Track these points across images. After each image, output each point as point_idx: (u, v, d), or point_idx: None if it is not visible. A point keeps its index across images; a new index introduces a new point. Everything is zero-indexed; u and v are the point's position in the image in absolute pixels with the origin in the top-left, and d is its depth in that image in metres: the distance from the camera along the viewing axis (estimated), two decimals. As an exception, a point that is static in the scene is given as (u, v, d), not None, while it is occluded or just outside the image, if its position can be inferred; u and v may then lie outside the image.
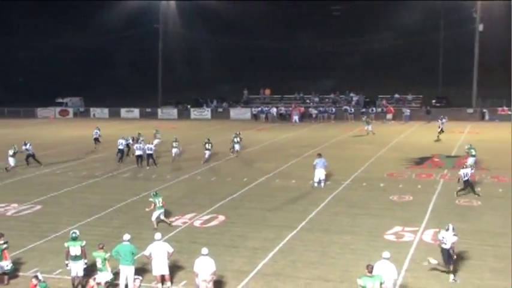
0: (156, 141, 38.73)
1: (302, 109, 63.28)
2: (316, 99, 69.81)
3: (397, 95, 68.70)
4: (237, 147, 36.99)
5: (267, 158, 36.33)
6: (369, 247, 18.25)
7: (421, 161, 33.84)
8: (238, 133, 38.14)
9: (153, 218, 20.77)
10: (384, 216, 21.90)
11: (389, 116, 59.49)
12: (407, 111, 58.91)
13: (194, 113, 68.59)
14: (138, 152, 33.33)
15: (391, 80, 75.31)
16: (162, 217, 21.00)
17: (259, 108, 65.67)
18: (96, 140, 40.79)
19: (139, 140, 35.05)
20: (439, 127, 43.10)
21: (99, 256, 15.16)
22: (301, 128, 52.83)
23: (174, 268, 16.47)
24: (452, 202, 23.79)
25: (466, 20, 64.71)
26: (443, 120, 44.17)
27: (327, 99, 70.01)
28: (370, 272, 12.98)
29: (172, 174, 31.30)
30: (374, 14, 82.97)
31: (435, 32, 73.92)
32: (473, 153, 30.43)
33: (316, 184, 27.08)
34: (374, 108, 62.37)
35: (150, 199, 21.45)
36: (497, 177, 28.59)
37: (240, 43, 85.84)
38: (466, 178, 24.55)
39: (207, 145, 34.55)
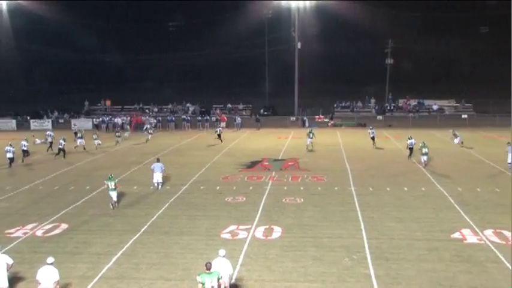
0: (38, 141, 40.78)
1: (140, 118, 62.44)
2: (155, 109, 69.27)
3: (229, 105, 70.38)
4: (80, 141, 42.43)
5: (110, 165, 35.20)
6: (207, 246, 18.45)
7: (252, 165, 34.83)
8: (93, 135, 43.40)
9: (113, 199, 23.57)
10: (220, 216, 22.25)
11: (222, 124, 60.59)
12: (239, 120, 60.48)
13: (34, 124, 64.35)
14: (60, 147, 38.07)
15: (224, 91, 77.14)
16: (114, 198, 23.60)
17: (100, 119, 63.54)
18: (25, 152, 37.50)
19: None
20: (370, 136, 42.93)
21: None
22: (142, 137, 51.96)
23: (15, 280, 15.37)
24: (280, 201, 24.79)
25: (287, 38, 68.23)
26: (372, 130, 43.60)
27: (165, 109, 69.75)
28: (209, 269, 13.13)
29: (12, 185, 29.11)
30: (209, 30, 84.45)
31: (261, 48, 76.99)
32: (311, 136, 41.33)
33: (156, 185, 27.52)
34: (209, 117, 63.25)
35: (105, 181, 24.20)
36: (317, 177, 30.33)
37: (80, 56, 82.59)
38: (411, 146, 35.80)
39: (94, 135, 43.94)
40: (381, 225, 20.47)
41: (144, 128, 55.06)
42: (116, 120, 62.41)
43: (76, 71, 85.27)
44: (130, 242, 19.01)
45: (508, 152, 31.83)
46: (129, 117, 63.43)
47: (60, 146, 38.15)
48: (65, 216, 22.50)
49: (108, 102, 71.68)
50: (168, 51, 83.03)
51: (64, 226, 21.08)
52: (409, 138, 36.33)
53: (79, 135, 44.01)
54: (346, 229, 20.17)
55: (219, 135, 45.98)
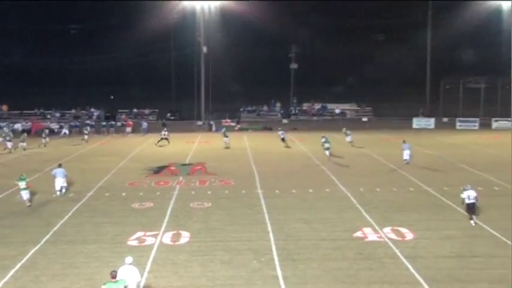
0: None
1: (42, 124, 59.70)
2: (57, 114, 66.51)
3: (135, 110, 69.04)
4: None
5: (7, 174, 33.26)
6: (114, 254, 17.94)
7: (159, 170, 34.30)
8: None
9: (23, 198, 24.37)
10: (126, 223, 21.72)
11: (128, 129, 59.23)
12: (145, 125, 59.46)
13: None
14: None
15: (130, 96, 75.49)
16: (26, 196, 24.42)
17: (-4, 124, 60.05)
18: None
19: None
20: (281, 137, 45.34)
21: None
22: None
23: None
24: (188, 205, 24.61)
25: (193, 42, 67.96)
26: (282, 132, 46.46)
27: (67, 115, 67.16)
28: (114, 277, 12.81)
29: None
30: (112, 33, 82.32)
31: (167, 51, 76.15)
32: (227, 135, 45.54)
33: (58, 193, 26.63)
34: (114, 122, 61.65)
35: (16, 181, 24.92)
36: (224, 180, 30.39)
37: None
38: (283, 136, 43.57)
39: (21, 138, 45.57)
40: (288, 227, 20.84)
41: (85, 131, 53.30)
42: (15, 126, 59.31)
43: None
44: (30, 254, 18.08)
45: (403, 150, 35.12)
46: (29, 123, 60.58)
47: None
48: (-44, 230, 21.04)
49: (4, 107, 67.81)
50: (70, 54, 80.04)
51: (-45, 240, 19.70)
52: (322, 137, 39.22)
53: (7, 138, 44.66)
54: (253, 232, 20.35)
55: (166, 139, 47.47)
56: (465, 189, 21.15)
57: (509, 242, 18.50)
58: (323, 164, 35.07)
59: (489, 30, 68.22)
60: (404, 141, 36.05)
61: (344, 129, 46.94)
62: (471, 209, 20.84)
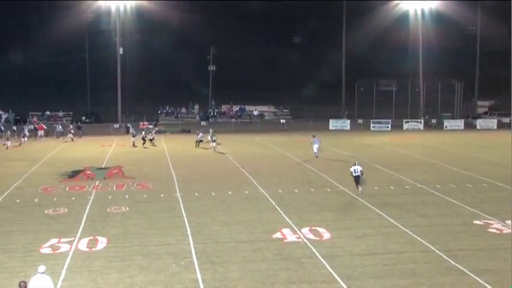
0: None
1: None
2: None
3: (48, 112, 66.55)
4: None
5: None
6: (25, 263, 17.18)
7: (74, 174, 33.24)
8: None
9: None
10: (39, 230, 20.87)
11: (41, 132, 56.92)
12: (59, 128, 57.39)
13: None
14: None
15: (42, 98, 72.71)
16: None
17: None
18: None
19: None
20: (197, 140, 47.27)
21: None
22: None
23: None
24: (104, 210, 24.04)
25: (108, 43, 66.43)
26: (153, 132, 49.88)
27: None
28: (24, 288, 12.33)
29: None
30: (22, 32, 79.00)
31: (82, 52, 74.00)
32: (134, 134, 47.97)
33: None
34: (25, 125, 59.02)
35: None
36: (142, 184, 29.94)
37: None
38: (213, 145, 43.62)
39: None
40: (207, 230, 20.84)
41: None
42: None
43: None
44: None
45: (313, 144, 38.88)
46: None
47: None
48: None
49: None
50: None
51: None
52: (203, 134, 46.11)
53: None
54: (172, 236, 20.19)
55: (151, 140, 47.95)
56: (354, 165, 26.82)
57: (419, 238, 19.48)
58: (242, 166, 35.34)
59: (399, 34, 71.46)
60: (313, 136, 40.03)
61: (210, 129, 48.45)
62: (357, 180, 26.48)
